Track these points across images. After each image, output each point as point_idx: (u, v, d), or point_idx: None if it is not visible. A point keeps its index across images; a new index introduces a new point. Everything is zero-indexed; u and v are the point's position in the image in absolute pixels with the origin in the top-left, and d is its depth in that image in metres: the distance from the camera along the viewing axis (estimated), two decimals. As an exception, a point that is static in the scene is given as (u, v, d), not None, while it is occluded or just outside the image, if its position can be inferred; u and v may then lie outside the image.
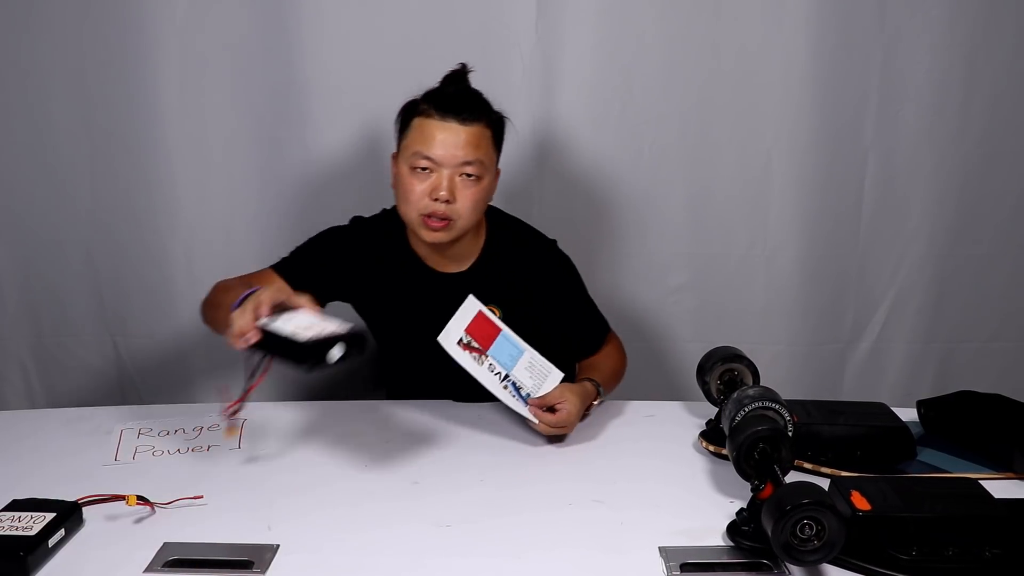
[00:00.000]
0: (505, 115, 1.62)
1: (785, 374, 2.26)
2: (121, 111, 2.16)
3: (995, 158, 2.18)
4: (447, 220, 1.51)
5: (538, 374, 1.51)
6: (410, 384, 1.72)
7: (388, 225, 1.66)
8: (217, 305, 1.47)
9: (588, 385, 1.57)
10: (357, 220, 1.70)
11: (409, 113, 1.55)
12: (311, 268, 1.59)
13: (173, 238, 2.24)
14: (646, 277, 2.24)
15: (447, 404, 1.63)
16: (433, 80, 2.10)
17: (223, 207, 2.23)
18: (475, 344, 1.47)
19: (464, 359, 1.46)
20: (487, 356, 1.48)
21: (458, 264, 1.63)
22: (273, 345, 1.22)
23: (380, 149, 2.18)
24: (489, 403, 1.63)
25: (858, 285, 2.27)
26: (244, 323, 1.21)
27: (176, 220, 2.23)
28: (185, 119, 2.15)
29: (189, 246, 2.25)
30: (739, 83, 2.12)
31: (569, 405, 1.48)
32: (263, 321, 1.23)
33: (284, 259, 1.66)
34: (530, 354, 1.51)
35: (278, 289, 1.29)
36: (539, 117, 2.13)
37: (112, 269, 2.29)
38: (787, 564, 1.12)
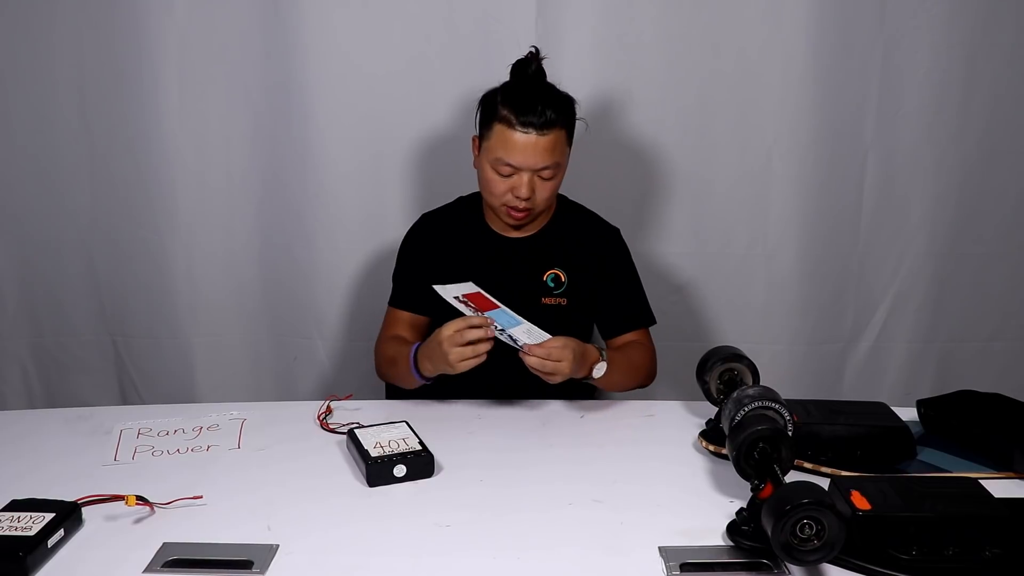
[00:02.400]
0: (571, 96, 1.67)
1: (785, 374, 2.26)
2: (121, 111, 2.17)
3: (995, 157, 2.18)
4: (527, 211, 1.64)
5: (536, 337, 1.53)
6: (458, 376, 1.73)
7: (462, 209, 1.79)
8: (391, 364, 1.70)
9: (592, 347, 1.59)
10: (425, 216, 1.81)
11: (490, 111, 1.63)
12: (414, 286, 1.73)
13: (173, 238, 2.24)
14: (646, 277, 2.22)
15: (447, 404, 1.63)
16: (432, 80, 2.12)
17: (223, 207, 2.23)
18: (471, 305, 1.57)
19: (461, 308, 1.55)
20: (484, 315, 1.54)
21: (525, 231, 1.74)
22: (356, 446, 1.41)
23: (380, 149, 2.18)
24: (489, 403, 1.64)
25: (858, 285, 2.27)
26: None
27: (176, 220, 2.23)
28: (185, 119, 2.15)
29: (189, 246, 2.25)
30: (739, 83, 2.12)
31: (566, 347, 1.50)
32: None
33: (393, 291, 1.79)
34: (528, 325, 1.55)
35: None
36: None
37: (112, 269, 2.29)
38: (787, 564, 1.12)
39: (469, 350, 1.48)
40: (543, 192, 1.62)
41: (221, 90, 2.15)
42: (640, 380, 1.74)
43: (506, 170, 1.60)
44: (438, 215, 1.79)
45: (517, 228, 1.72)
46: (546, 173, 1.61)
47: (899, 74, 2.12)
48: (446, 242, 1.74)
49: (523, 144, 1.58)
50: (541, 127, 1.57)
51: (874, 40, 2.09)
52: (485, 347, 1.48)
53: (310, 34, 2.09)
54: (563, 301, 1.71)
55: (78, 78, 2.16)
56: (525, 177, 1.60)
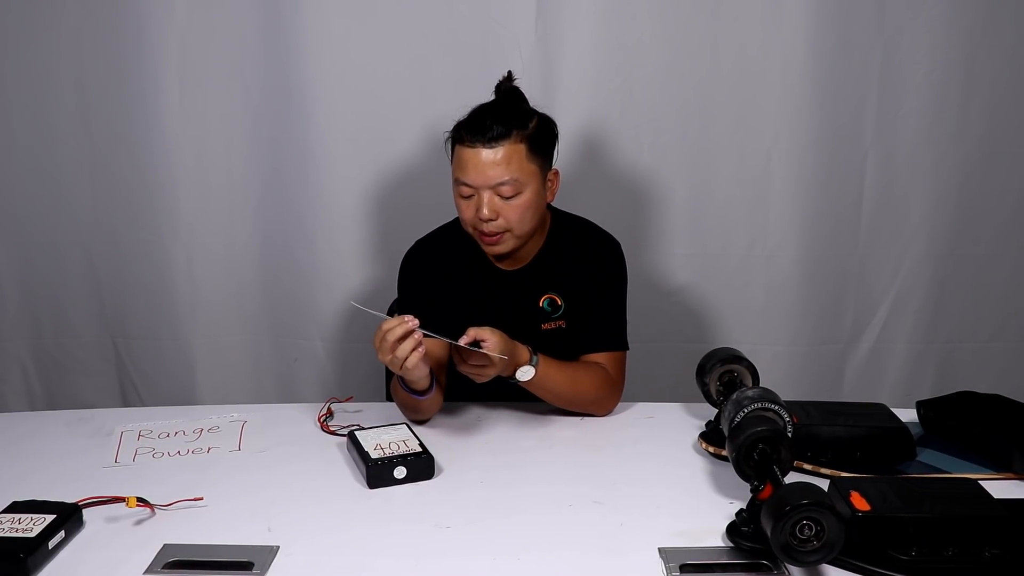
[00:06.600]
0: (547, 115, 1.62)
1: (785, 374, 2.26)
2: (122, 112, 2.17)
3: (995, 158, 2.18)
4: (498, 234, 1.58)
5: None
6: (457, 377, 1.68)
7: (454, 236, 1.69)
8: (402, 405, 1.62)
9: (523, 348, 1.54)
10: (419, 242, 1.73)
11: (453, 137, 1.60)
12: (422, 314, 1.52)
13: (173, 239, 2.24)
14: (646, 277, 2.24)
15: (447, 406, 1.62)
16: (432, 81, 2.12)
17: (223, 207, 2.23)
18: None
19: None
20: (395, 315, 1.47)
21: (519, 262, 1.68)
22: (357, 448, 1.41)
23: (380, 150, 2.18)
24: (490, 404, 1.64)
25: (858, 285, 2.27)
26: None
27: (176, 221, 2.23)
28: (185, 119, 2.16)
29: (189, 247, 2.25)
30: (739, 83, 2.12)
31: (493, 336, 1.46)
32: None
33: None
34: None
35: None
36: (539, 118, 2.13)
37: (112, 270, 2.29)
38: (786, 565, 1.13)
39: (403, 349, 1.40)
40: (510, 214, 1.55)
41: (222, 91, 2.15)
42: (584, 403, 1.62)
43: (466, 191, 1.56)
44: (432, 243, 1.72)
45: (499, 259, 1.66)
46: (505, 190, 1.54)
47: (899, 74, 2.12)
48: (443, 273, 1.68)
49: (472, 159, 1.53)
50: (489, 140, 1.52)
51: (874, 40, 2.09)
52: (411, 343, 1.40)
53: (310, 35, 2.09)
54: (562, 324, 1.68)
55: (79, 79, 2.16)
56: (485, 196, 1.54)
